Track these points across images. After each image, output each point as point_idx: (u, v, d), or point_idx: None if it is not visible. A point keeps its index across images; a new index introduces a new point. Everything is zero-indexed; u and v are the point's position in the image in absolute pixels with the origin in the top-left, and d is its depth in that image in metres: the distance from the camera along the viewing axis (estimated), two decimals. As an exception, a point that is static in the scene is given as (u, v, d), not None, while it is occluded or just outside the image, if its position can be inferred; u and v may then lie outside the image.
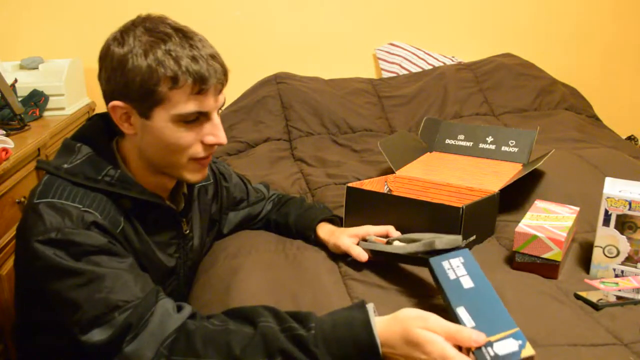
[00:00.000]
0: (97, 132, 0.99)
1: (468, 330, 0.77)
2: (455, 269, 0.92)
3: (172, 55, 0.88)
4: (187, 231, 1.10)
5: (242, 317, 0.85)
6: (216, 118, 0.95)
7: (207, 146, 0.95)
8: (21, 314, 1.02)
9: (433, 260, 0.93)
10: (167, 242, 1.05)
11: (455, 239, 0.98)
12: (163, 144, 0.93)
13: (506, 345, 0.76)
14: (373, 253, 1.09)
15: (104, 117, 1.01)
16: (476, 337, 0.76)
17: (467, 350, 0.77)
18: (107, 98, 0.93)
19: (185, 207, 1.09)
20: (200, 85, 0.89)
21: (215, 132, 0.95)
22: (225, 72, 0.94)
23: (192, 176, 0.98)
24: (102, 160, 0.95)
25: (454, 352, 0.75)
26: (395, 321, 0.80)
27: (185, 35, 0.91)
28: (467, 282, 0.89)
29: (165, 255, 1.05)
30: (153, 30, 0.90)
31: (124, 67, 0.89)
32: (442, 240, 0.96)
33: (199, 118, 0.93)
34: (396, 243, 1.05)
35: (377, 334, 0.79)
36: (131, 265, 0.89)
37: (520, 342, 0.76)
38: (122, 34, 0.91)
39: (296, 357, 0.78)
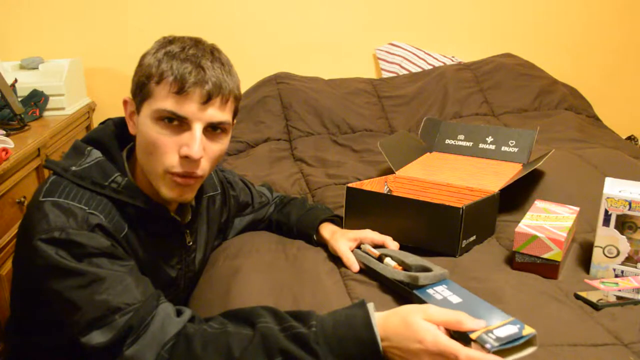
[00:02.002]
0: (108, 137, 0.98)
1: (468, 316, 0.79)
2: (441, 292, 0.95)
3: (168, 55, 0.90)
4: (190, 243, 1.09)
5: (241, 319, 0.85)
6: (197, 130, 0.89)
7: (183, 160, 0.90)
8: (17, 312, 1.02)
9: (418, 291, 0.95)
10: (169, 253, 1.05)
11: (442, 274, 0.98)
12: (144, 142, 0.92)
13: (506, 330, 0.78)
14: (364, 265, 1.10)
15: (117, 123, 1.01)
16: (476, 323, 0.78)
17: (465, 343, 0.78)
18: None
19: (191, 219, 1.08)
20: (179, 84, 0.87)
21: (190, 143, 0.89)
22: (220, 88, 0.90)
23: (167, 191, 0.93)
24: (111, 166, 0.95)
25: (447, 339, 0.76)
26: (395, 314, 0.81)
27: (197, 42, 0.93)
28: (455, 299, 0.92)
29: (167, 266, 1.04)
30: (175, 38, 0.93)
31: (138, 65, 0.94)
32: (427, 276, 0.97)
33: (180, 125, 0.89)
34: (387, 260, 1.06)
35: (377, 330, 0.79)
36: (133, 268, 0.89)
37: (518, 325, 0.79)
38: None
39: (297, 355, 0.78)
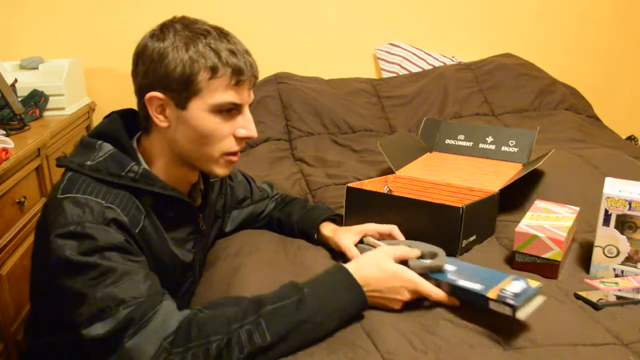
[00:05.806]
0: (117, 129, 0.99)
1: (407, 248, 0.99)
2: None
3: (212, 48, 0.92)
4: (204, 227, 1.11)
5: (229, 300, 0.91)
6: (248, 112, 0.99)
7: (239, 140, 0.98)
8: (35, 309, 1.04)
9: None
10: (185, 238, 1.06)
11: (437, 266, 0.98)
12: (198, 134, 0.95)
13: (516, 286, 0.89)
14: None
15: (122, 115, 1.02)
16: (413, 252, 0.99)
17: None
18: (144, 91, 0.95)
19: (202, 203, 1.11)
20: (238, 76, 0.93)
21: (248, 125, 0.98)
22: (257, 68, 0.98)
23: (221, 170, 1.01)
24: (125, 156, 0.96)
25: (417, 276, 0.94)
26: (366, 265, 0.96)
27: (222, 32, 0.97)
28: (449, 267, 0.99)
29: (183, 251, 1.06)
30: (192, 26, 0.95)
31: (164, 59, 0.92)
32: (424, 263, 0.99)
33: (232, 111, 0.96)
34: None
35: (352, 271, 0.93)
36: (143, 264, 0.90)
37: (522, 280, 0.90)
38: (162, 30, 0.95)
39: (284, 305, 0.87)
